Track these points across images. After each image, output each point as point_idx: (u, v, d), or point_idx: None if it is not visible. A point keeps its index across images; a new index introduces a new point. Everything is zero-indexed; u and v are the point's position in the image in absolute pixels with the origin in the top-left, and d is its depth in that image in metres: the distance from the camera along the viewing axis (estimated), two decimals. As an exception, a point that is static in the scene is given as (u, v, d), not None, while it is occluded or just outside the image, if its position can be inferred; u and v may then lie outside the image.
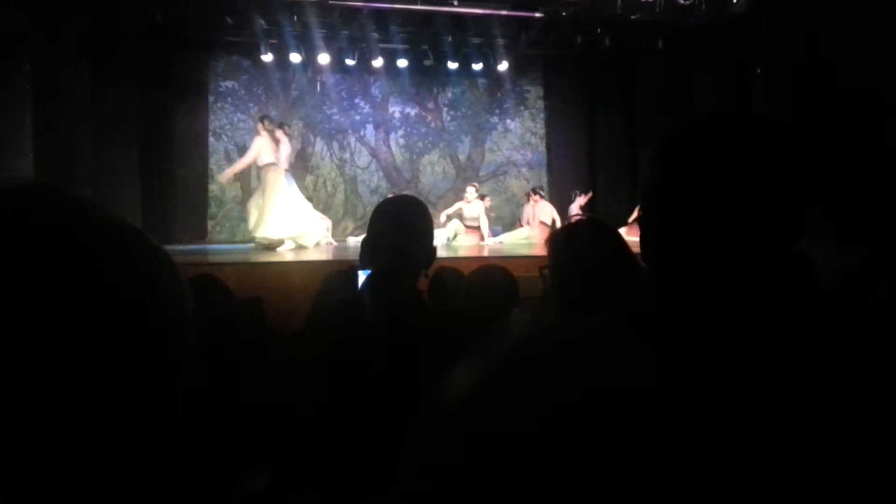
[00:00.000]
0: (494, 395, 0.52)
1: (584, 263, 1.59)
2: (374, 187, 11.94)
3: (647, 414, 0.56)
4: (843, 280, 2.44)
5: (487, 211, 10.52)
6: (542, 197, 10.65)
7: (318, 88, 11.85)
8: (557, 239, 1.74)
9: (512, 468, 0.49)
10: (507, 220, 11.73)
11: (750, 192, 0.81)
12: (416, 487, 0.52)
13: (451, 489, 0.50)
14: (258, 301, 3.38)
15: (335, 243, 9.34)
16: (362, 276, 2.48)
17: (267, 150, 8.29)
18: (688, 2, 8.23)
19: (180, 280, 0.59)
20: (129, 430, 0.53)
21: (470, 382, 0.52)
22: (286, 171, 8.48)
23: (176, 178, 10.77)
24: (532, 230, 10.24)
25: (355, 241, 9.53)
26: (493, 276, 2.55)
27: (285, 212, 8.17)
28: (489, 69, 11.44)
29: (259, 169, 8.59)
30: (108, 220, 0.56)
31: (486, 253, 8.37)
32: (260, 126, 8.53)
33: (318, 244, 8.67)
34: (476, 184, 10.62)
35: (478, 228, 9.87)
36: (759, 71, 8.24)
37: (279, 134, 8.54)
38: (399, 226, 1.69)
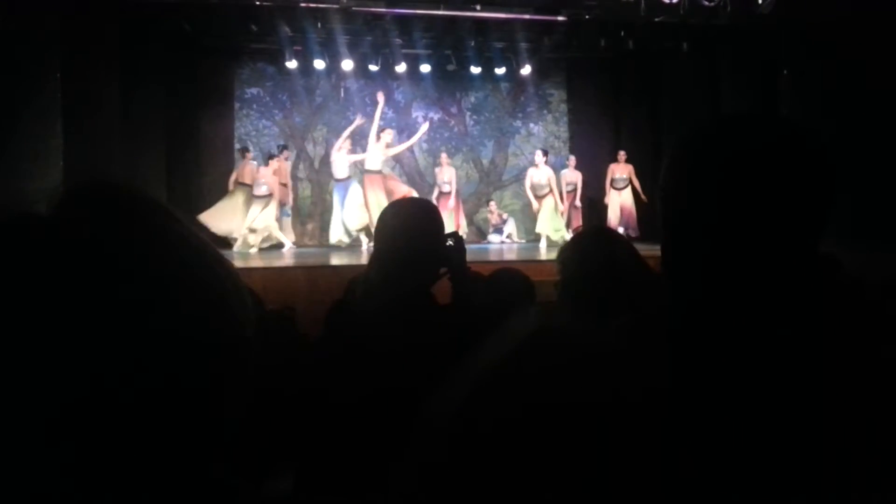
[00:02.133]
0: (496, 395, 0.51)
1: (593, 271, 1.60)
2: (398, 192, 11.97)
3: (663, 421, 0.55)
4: (878, 290, 2.40)
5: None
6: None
7: (342, 94, 11.91)
8: (566, 249, 1.77)
9: (512, 470, 0.49)
10: (530, 226, 11.64)
11: (773, 195, 0.79)
12: (410, 492, 0.52)
13: (444, 492, 0.49)
14: (290, 310, 3.41)
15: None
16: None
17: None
18: (712, 3, 8.13)
19: (243, 292, 0.60)
20: (180, 434, 0.53)
21: (471, 381, 0.52)
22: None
23: (202, 185, 10.90)
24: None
25: None
26: (509, 279, 2.55)
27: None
28: (512, 73, 11.43)
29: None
30: (186, 233, 0.58)
31: (506, 256, 8.38)
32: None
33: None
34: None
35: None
36: (785, 72, 8.13)
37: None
38: (406, 229, 1.69)
